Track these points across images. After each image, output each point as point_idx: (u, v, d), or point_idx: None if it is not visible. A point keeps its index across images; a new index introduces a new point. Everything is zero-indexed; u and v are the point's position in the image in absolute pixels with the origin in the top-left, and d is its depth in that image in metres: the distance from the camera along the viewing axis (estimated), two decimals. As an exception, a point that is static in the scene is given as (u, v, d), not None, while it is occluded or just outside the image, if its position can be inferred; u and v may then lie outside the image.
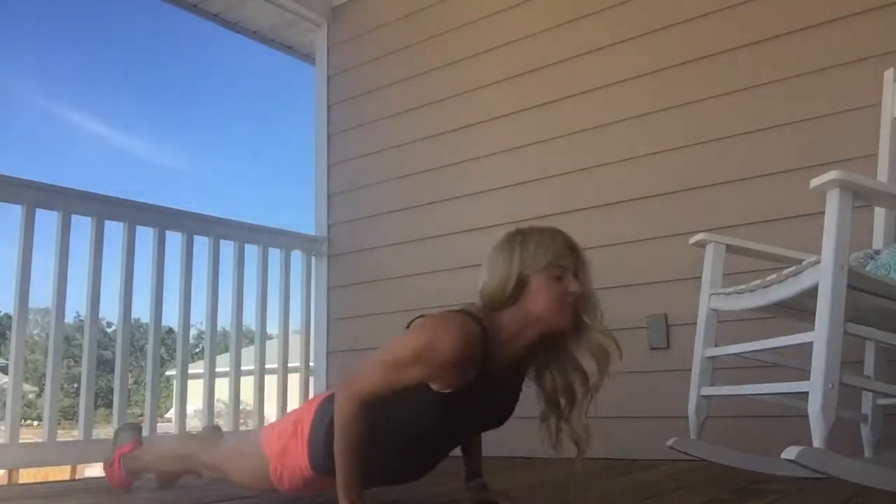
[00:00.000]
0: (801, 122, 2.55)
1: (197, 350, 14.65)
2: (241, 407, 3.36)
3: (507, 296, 1.46)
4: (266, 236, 3.50)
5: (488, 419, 1.61)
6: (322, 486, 1.63)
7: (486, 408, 1.55)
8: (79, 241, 2.78)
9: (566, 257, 1.48)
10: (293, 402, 3.43)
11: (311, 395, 3.60)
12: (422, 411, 1.47)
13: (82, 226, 2.79)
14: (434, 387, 1.44)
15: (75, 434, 2.81)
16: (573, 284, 1.47)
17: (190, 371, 3.23)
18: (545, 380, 1.54)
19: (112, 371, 3.07)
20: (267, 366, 3.36)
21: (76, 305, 3.16)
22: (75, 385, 22.77)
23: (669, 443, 2.02)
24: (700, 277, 2.10)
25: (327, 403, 1.61)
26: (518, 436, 2.95)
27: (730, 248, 2.11)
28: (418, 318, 1.50)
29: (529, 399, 3.02)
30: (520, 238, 1.50)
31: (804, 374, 1.57)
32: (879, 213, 2.12)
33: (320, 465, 1.58)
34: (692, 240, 2.15)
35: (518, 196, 3.17)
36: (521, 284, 1.46)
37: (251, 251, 3.41)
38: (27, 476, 5.25)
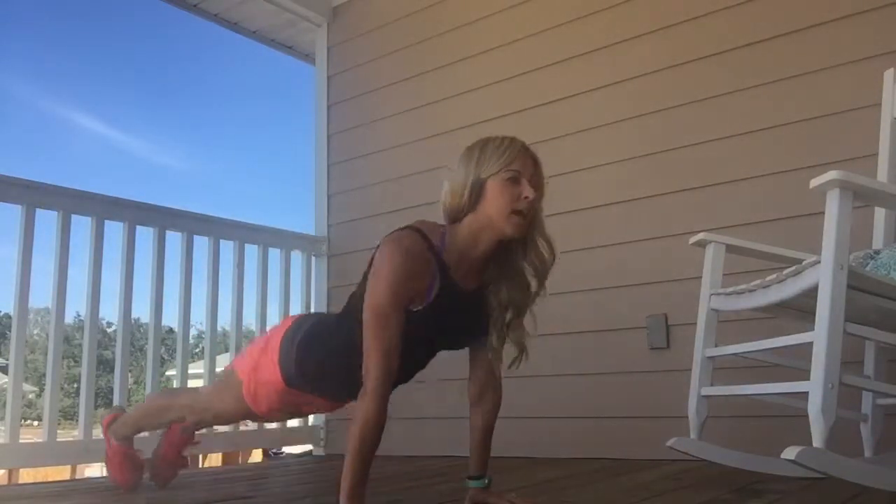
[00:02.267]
0: (802, 122, 2.55)
1: (197, 350, 14.65)
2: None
3: (465, 201, 1.50)
4: (266, 236, 3.49)
5: (461, 333, 1.63)
6: (296, 403, 1.82)
7: (458, 319, 1.57)
8: (79, 241, 2.79)
9: (521, 160, 1.50)
10: (293, 402, 3.43)
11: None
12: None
13: (82, 226, 2.79)
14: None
15: (75, 434, 2.80)
16: (527, 190, 1.48)
17: (190, 371, 3.23)
18: (498, 292, 1.57)
19: (112, 371, 3.07)
20: (267, 366, 3.36)
21: (76, 305, 3.15)
22: (75, 385, 22.76)
23: (669, 443, 2.02)
24: (700, 277, 2.10)
25: (298, 324, 1.77)
26: (518, 436, 2.96)
27: (730, 248, 2.11)
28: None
29: (529, 399, 3.02)
30: (479, 144, 1.53)
31: (804, 374, 1.57)
32: (879, 213, 2.12)
33: (291, 377, 1.72)
34: (692, 240, 2.15)
35: (518, 196, 3.17)
36: (478, 189, 1.49)
37: (251, 251, 3.41)
38: (27, 476, 5.25)
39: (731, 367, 2.14)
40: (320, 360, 1.71)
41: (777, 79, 2.61)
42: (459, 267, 1.54)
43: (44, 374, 2.88)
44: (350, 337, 1.53)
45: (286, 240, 3.63)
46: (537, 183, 1.52)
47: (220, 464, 5.88)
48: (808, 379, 1.53)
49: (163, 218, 3.09)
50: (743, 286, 1.88)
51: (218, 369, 3.17)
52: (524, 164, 1.50)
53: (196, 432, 2.23)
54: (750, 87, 2.66)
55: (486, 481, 1.68)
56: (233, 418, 1.95)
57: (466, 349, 1.70)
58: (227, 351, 3.90)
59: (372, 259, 1.52)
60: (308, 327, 1.75)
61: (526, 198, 1.48)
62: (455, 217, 1.54)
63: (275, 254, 3.52)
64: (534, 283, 1.57)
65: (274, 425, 3.50)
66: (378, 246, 1.52)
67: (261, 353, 1.78)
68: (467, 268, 1.55)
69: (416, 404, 2.98)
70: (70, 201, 2.76)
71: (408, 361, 1.53)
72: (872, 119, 2.25)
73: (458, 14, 3.51)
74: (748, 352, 1.92)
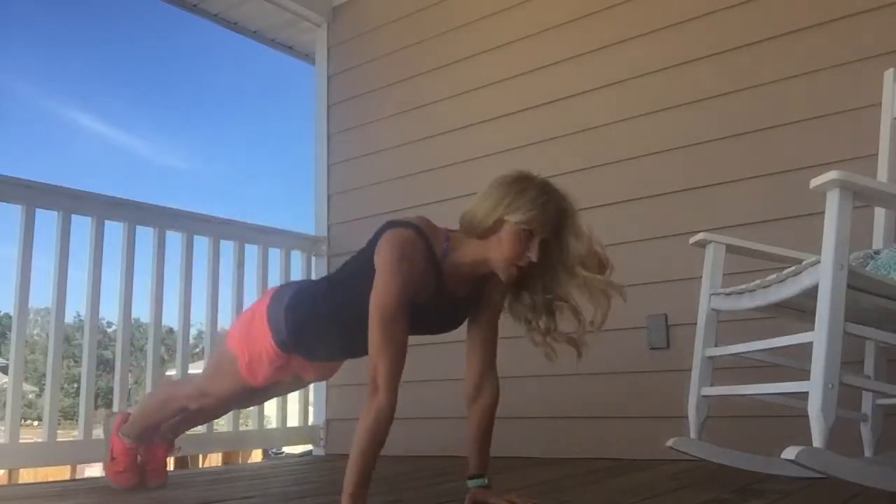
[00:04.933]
0: (801, 122, 2.55)
1: (197, 350, 14.62)
2: (241, 407, 3.36)
3: (481, 229, 1.56)
4: (266, 236, 3.49)
5: (438, 326, 1.72)
6: (290, 369, 1.90)
7: (441, 318, 1.68)
8: (79, 241, 2.78)
9: (545, 224, 1.54)
10: (293, 402, 3.43)
11: (310, 396, 3.61)
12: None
13: (82, 226, 2.79)
14: None
15: (75, 434, 2.80)
16: (533, 253, 1.54)
17: (190, 371, 3.23)
18: (521, 299, 1.65)
19: (112, 371, 3.07)
20: (267, 366, 3.36)
21: (76, 305, 3.15)
22: (75, 385, 22.76)
23: (669, 443, 2.02)
24: (700, 277, 2.10)
25: (281, 293, 1.85)
26: (518, 436, 2.96)
27: (730, 248, 2.11)
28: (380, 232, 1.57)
29: (529, 399, 3.02)
30: (518, 186, 1.55)
31: (804, 374, 1.57)
32: (879, 213, 2.12)
33: (283, 341, 1.81)
34: (692, 240, 2.15)
35: (518, 196, 3.17)
36: (496, 226, 1.55)
37: (251, 251, 3.41)
38: (27, 476, 5.25)
39: (731, 367, 2.13)
40: (312, 322, 1.79)
41: (777, 79, 2.61)
42: (453, 277, 1.62)
43: (44, 374, 2.88)
44: (343, 302, 1.67)
45: (286, 240, 3.63)
46: (556, 246, 1.57)
47: (220, 464, 5.89)
48: (808, 379, 1.53)
49: (163, 218, 3.09)
50: (743, 286, 1.88)
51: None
52: (545, 228, 1.54)
53: (175, 440, 2.27)
54: (750, 87, 2.66)
55: (486, 480, 1.67)
56: (233, 398, 2.01)
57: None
58: (227, 351, 3.88)
59: (372, 242, 1.58)
60: (293, 293, 1.84)
61: (529, 258, 1.54)
62: (467, 232, 1.60)
63: (275, 254, 3.53)
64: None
65: (273, 424, 3.49)
66: (379, 233, 1.57)
67: (250, 325, 1.86)
68: (461, 279, 1.64)
69: (417, 404, 2.97)
70: (70, 201, 2.76)
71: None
72: (872, 119, 2.25)
73: (457, 14, 3.51)
74: (748, 352, 1.92)
